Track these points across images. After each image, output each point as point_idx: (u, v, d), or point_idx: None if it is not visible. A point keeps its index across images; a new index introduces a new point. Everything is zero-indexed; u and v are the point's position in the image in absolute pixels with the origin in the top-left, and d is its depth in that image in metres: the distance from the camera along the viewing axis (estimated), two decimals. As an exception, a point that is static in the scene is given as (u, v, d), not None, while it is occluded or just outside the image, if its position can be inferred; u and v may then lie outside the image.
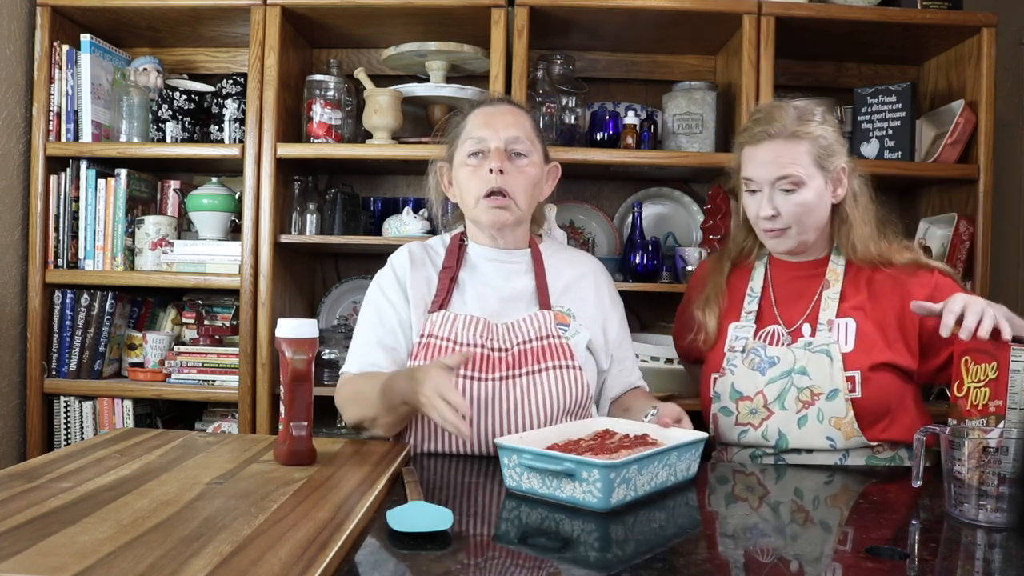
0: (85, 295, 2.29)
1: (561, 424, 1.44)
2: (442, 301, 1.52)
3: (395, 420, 1.42)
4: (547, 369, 1.47)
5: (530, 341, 1.49)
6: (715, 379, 1.60)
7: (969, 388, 1.28)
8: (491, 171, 1.50)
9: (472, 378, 1.45)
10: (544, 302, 1.54)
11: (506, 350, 1.48)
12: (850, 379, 1.48)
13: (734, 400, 1.56)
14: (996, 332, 1.26)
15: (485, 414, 1.44)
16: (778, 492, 1.29)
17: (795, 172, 1.49)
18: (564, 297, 1.57)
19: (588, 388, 1.51)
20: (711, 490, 1.28)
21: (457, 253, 1.58)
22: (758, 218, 1.54)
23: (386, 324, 1.53)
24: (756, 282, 1.64)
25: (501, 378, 1.46)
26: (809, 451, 1.51)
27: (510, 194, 1.51)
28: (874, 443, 1.49)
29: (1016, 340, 1.25)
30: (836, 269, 1.57)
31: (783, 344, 1.55)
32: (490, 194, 1.50)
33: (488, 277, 1.57)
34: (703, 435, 1.27)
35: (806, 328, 1.55)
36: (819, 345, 1.51)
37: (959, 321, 1.29)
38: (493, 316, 1.52)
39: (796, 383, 1.51)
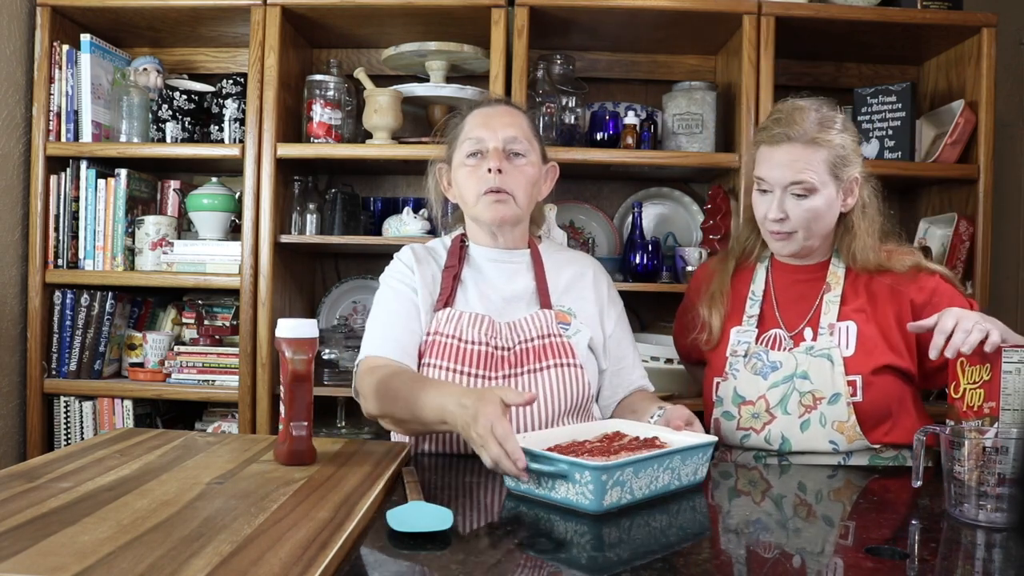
0: (85, 295, 2.29)
1: (574, 425, 1.44)
2: (447, 299, 1.52)
3: (424, 432, 1.40)
4: (548, 367, 1.47)
5: (532, 340, 1.49)
6: (717, 383, 1.60)
7: (965, 389, 1.28)
8: (490, 171, 1.50)
9: (476, 376, 1.45)
10: (545, 301, 1.54)
11: (509, 349, 1.49)
12: (851, 383, 1.48)
13: (736, 404, 1.56)
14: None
15: None
16: (779, 491, 1.29)
17: (809, 179, 1.48)
18: (565, 296, 1.57)
19: (589, 387, 1.51)
20: (714, 485, 1.28)
21: (459, 253, 1.58)
22: (766, 219, 1.54)
23: (409, 309, 1.52)
24: (758, 285, 1.64)
25: (504, 376, 1.46)
26: (812, 454, 1.51)
27: (509, 192, 1.51)
28: (876, 445, 1.49)
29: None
30: (837, 272, 1.57)
31: (785, 348, 1.55)
32: (489, 192, 1.51)
33: (489, 277, 1.57)
34: (712, 439, 1.24)
35: (808, 332, 1.55)
36: (820, 349, 1.51)
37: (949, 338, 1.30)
38: (496, 314, 1.52)
39: (798, 387, 1.51)
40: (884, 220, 1.58)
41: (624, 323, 1.64)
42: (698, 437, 1.26)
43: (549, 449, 1.17)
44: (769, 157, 1.51)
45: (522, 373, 1.47)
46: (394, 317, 1.51)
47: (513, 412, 1.43)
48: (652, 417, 1.41)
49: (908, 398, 1.52)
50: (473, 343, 1.47)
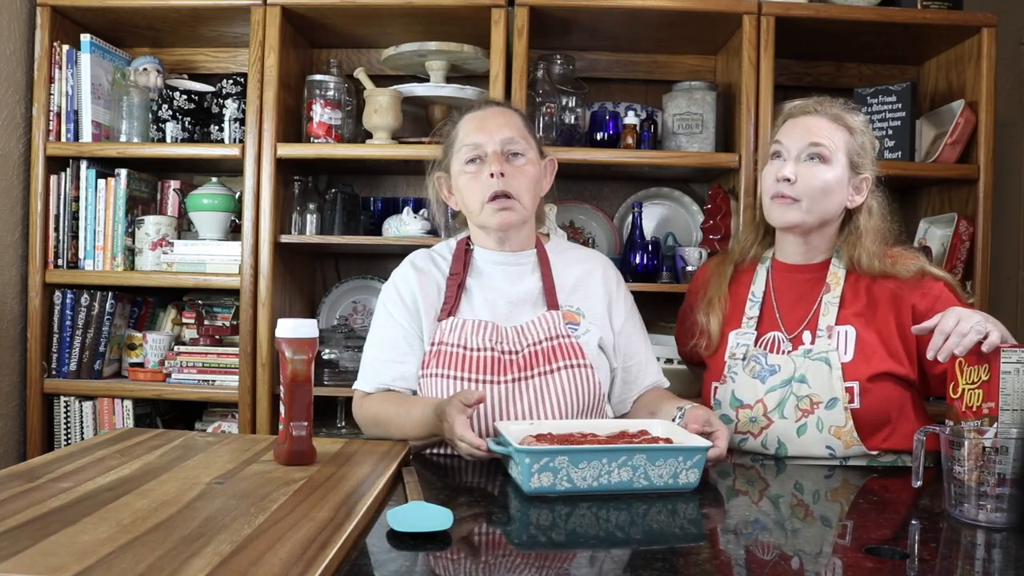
0: (85, 295, 2.29)
1: (601, 420, 1.48)
2: (451, 308, 1.52)
3: (426, 445, 1.47)
4: (559, 369, 1.47)
5: (540, 342, 1.49)
6: (716, 387, 1.59)
7: (964, 390, 1.28)
8: (492, 175, 1.49)
9: (485, 382, 1.45)
10: (552, 302, 1.54)
11: (517, 352, 1.48)
12: (849, 389, 1.47)
13: (734, 408, 1.55)
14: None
15: (500, 417, 1.44)
16: (777, 491, 1.29)
17: (828, 144, 1.51)
18: (573, 296, 1.57)
19: (600, 386, 1.51)
20: (713, 485, 1.27)
21: (464, 259, 1.58)
22: (775, 180, 1.54)
23: (392, 341, 1.54)
24: (758, 287, 1.63)
25: (514, 380, 1.46)
26: (808, 459, 1.49)
27: (514, 195, 1.51)
28: (874, 452, 1.48)
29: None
30: (837, 273, 1.57)
31: (784, 351, 1.54)
32: (494, 197, 1.50)
33: (495, 281, 1.56)
34: (701, 444, 1.21)
35: (806, 335, 1.54)
36: (818, 352, 1.50)
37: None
38: (502, 319, 1.52)
39: (795, 391, 1.50)
40: (889, 231, 1.58)
41: (635, 319, 1.63)
42: (691, 439, 1.25)
43: (560, 438, 1.24)
44: (792, 126, 1.56)
45: (531, 376, 1.46)
46: (379, 354, 1.55)
47: (527, 416, 1.44)
48: (674, 418, 1.40)
49: (909, 404, 1.51)
50: (478, 350, 1.47)
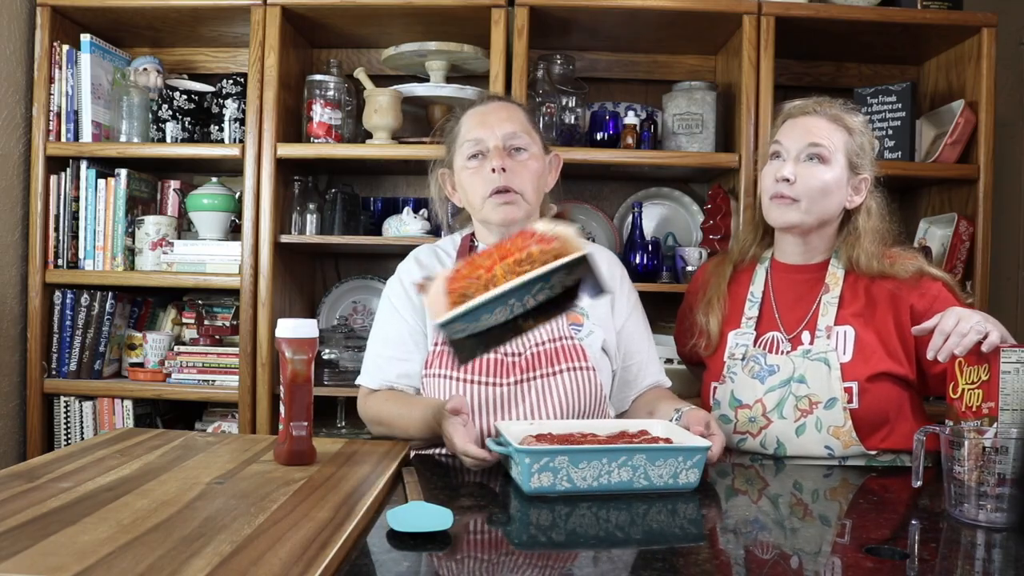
0: (85, 295, 2.29)
1: (601, 420, 1.48)
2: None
3: (428, 444, 1.47)
4: (561, 371, 1.46)
5: (543, 344, 1.48)
6: (715, 388, 1.59)
7: (963, 390, 1.28)
8: (493, 170, 1.49)
9: (487, 383, 1.45)
10: None
11: (519, 354, 1.48)
12: (847, 390, 1.47)
13: (733, 408, 1.55)
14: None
15: (502, 419, 1.44)
16: (777, 490, 1.29)
17: (827, 144, 1.52)
18: None
19: (602, 389, 1.50)
20: (712, 484, 1.27)
21: (467, 256, 1.57)
22: (774, 181, 1.54)
23: (397, 337, 1.54)
24: (757, 287, 1.64)
25: (516, 382, 1.45)
26: (807, 459, 1.50)
27: (516, 190, 1.50)
28: (872, 452, 1.48)
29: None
30: (836, 273, 1.57)
31: (783, 352, 1.55)
32: (496, 192, 1.50)
33: None
34: (701, 443, 1.20)
35: (805, 336, 1.54)
36: (817, 353, 1.50)
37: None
38: None
39: (795, 391, 1.50)
40: (888, 232, 1.58)
41: (638, 317, 1.62)
42: (691, 439, 1.25)
43: (560, 438, 1.24)
44: (791, 126, 1.56)
45: (534, 378, 1.46)
46: (383, 351, 1.56)
47: (529, 418, 1.44)
48: (671, 420, 1.40)
49: (907, 404, 1.51)
50: None
